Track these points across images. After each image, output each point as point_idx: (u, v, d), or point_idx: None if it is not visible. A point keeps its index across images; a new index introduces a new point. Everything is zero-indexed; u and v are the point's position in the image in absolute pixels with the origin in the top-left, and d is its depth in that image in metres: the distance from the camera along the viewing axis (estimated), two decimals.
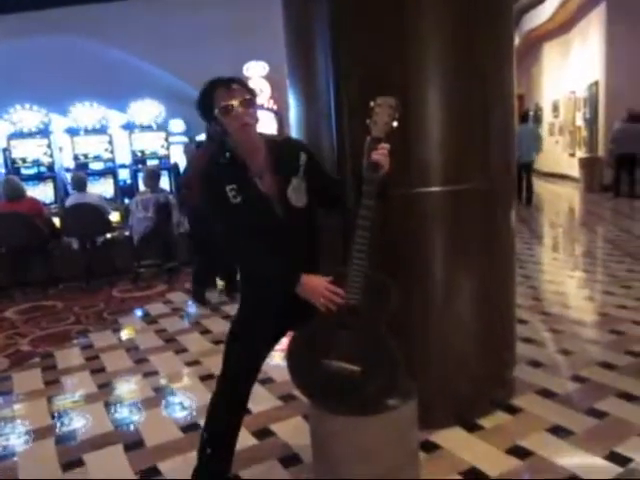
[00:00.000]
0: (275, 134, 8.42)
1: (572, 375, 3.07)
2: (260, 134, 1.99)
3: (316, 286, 1.89)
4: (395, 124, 1.88)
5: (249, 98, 1.89)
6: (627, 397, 2.77)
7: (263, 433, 2.69)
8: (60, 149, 8.31)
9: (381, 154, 1.86)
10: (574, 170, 12.60)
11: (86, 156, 8.24)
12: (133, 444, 2.68)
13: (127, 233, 6.41)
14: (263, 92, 10.40)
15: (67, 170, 8.19)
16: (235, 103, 1.85)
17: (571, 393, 2.88)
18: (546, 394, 2.86)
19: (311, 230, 2.06)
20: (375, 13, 2.39)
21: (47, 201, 7.52)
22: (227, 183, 1.90)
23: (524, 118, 10.94)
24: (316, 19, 2.54)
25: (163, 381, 3.46)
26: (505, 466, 2.29)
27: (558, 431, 2.51)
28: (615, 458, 2.28)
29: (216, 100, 1.86)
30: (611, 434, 2.47)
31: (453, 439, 2.50)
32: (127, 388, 3.46)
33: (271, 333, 2.09)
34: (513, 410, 2.72)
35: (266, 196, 1.94)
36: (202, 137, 10.88)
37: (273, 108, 10.05)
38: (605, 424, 2.56)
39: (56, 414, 3.10)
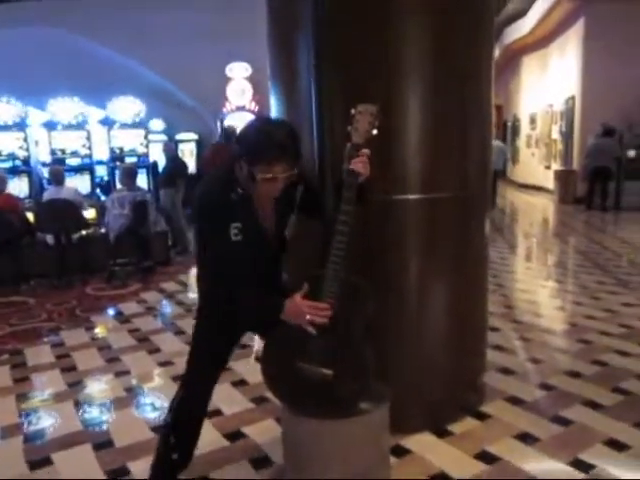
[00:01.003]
0: None
1: (540, 383, 3.14)
2: None
3: (298, 308, 1.89)
4: (375, 131, 1.91)
5: (293, 174, 1.85)
6: (592, 405, 2.84)
7: (235, 435, 2.68)
8: (36, 143, 8.17)
9: (360, 162, 1.89)
10: (549, 182, 12.85)
11: (63, 151, 8.11)
12: (102, 444, 2.66)
13: (103, 230, 6.35)
14: (245, 93, 10.41)
15: (43, 165, 8.06)
16: (282, 176, 1.81)
17: (539, 400, 2.94)
18: (515, 401, 2.92)
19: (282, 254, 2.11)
20: (359, 12, 2.42)
21: (22, 195, 7.39)
22: (232, 221, 1.84)
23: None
24: (300, 20, 2.56)
25: (135, 381, 3.42)
26: (473, 471, 2.33)
27: (525, 437, 2.56)
28: (579, 464, 2.34)
29: (271, 163, 1.78)
30: (576, 441, 2.53)
31: (423, 444, 2.53)
32: (98, 387, 3.42)
33: (234, 339, 2.12)
34: (482, 416, 2.77)
35: (265, 230, 1.94)
36: (182, 136, 10.88)
37: (255, 110, 10.06)
38: (570, 431, 2.62)
39: (24, 412, 3.05)
